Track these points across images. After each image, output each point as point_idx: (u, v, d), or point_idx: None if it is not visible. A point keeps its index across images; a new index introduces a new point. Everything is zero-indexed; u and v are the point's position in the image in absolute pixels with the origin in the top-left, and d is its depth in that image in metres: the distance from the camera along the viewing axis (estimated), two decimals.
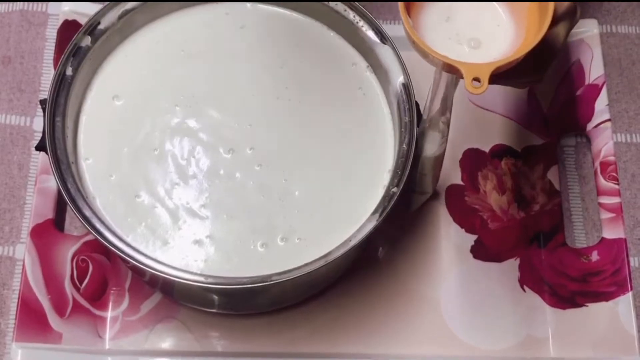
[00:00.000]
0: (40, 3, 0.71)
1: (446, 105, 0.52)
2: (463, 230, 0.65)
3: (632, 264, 0.64)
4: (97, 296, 0.61)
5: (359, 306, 0.62)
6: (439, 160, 0.57)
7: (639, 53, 0.72)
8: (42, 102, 0.55)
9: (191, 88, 0.58)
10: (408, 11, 0.47)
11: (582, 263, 0.63)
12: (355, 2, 0.58)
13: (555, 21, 0.48)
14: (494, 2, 0.50)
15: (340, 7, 0.59)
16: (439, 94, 0.52)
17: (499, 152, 0.68)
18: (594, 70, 0.68)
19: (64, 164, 0.53)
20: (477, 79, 0.45)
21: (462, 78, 0.46)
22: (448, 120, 0.54)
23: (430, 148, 0.55)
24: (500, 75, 0.47)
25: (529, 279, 0.64)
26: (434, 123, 0.54)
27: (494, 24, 0.49)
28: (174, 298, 0.61)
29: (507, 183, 0.66)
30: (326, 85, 0.59)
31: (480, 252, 0.64)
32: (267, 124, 0.57)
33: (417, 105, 0.56)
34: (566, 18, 0.49)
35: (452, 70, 0.46)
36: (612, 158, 0.64)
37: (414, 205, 0.63)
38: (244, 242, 0.54)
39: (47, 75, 0.69)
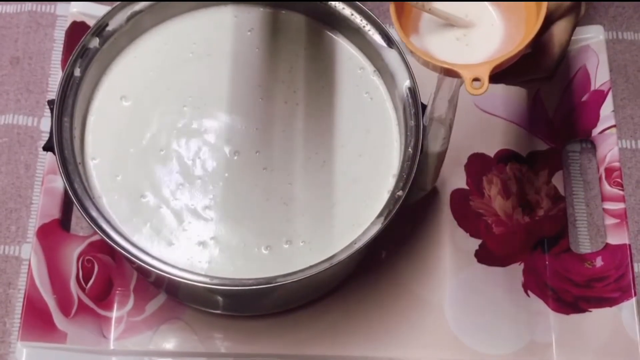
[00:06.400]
0: (48, 4, 0.72)
1: (450, 105, 0.52)
2: (467, 234, 0.65)
3: (636, 269, 0.64)
4: (102, 296, 0.62)
5: (363, 309, 0.62)
6: (440, 158, 0.57)
7: None
8: (50, 103, 0.55)
9: (199, 90, 0.58)
10: (400, 18, 0.47)
11: (586, 268, 0.63)
12: (362, 6, 0.58)
13: (559, 16, 0.48)
14: (486, 2, 0.49)
15: (347, 11, 0.59)
16: (443, 93, 0.51)
17: (504, 157, 0.68)
18: (600, 76, 0.68)
19: (71, 164, 0.53)
20: (477, 79, 0.45)
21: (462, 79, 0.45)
22: (451, 121, 0.53)
23: (432, 145, 0.55)
24: (504, 75, 0.47)
25: (533, 283, 0.64)
26: (437, 121, 0.53)
27: (488, 24, 0.49)
28: (179, 299, 0.62)
29: (512, 188, 0.66)
30: (333, 89, 0.59)
31: (484, 256, 0.64)
32: (274, 127, 0.57)
33: (424, 109, 0.56)
34: (571, 13, 0.49)
35: (452, 74, 0.46)
36: (616, 164, 0.64)
37: (410, 200, 0.62)
38: (248, 244, 0.54)
39: (55, 76, 0.69)
